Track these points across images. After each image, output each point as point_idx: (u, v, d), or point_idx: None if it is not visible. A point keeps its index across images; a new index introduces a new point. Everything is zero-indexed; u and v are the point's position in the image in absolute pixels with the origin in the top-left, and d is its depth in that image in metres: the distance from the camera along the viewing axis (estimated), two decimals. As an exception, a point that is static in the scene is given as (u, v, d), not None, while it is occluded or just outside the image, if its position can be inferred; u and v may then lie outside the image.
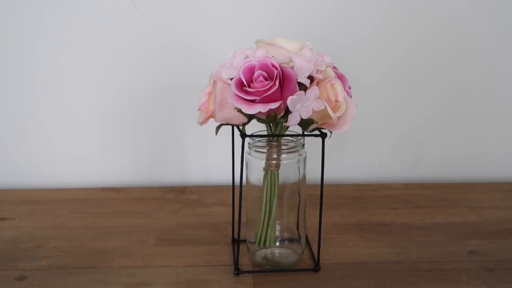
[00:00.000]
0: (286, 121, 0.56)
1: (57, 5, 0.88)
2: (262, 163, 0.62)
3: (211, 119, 0.61)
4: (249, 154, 0.63)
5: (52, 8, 0.88)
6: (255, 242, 0.64)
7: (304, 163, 0.63)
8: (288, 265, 0.65)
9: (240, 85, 0.55)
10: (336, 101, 0.56)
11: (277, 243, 0.65)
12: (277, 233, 0.64)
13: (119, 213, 0.82)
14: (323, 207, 0.62)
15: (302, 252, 0.66)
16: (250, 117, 0.58)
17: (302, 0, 0.90)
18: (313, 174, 0.67)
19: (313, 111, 0.55)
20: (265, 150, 0.61)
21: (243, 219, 0.62)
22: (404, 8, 0.91)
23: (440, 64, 0.94)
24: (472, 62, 0.94)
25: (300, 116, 0.55)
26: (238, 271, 0.63)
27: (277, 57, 0.56)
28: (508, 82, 0.95)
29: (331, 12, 0.90)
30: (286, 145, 0.62)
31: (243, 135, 0.59)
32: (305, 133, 0.59)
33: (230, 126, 0.63)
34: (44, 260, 0.67)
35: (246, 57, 0.57)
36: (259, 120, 0.58)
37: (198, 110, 0.62)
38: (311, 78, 0.56)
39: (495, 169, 0.99)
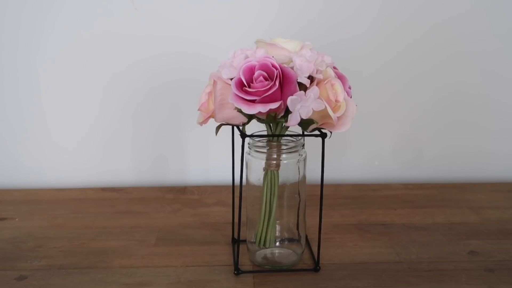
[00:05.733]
0: (286, 121, 0.56)
1: (60, 6, 0.88)
2: (262, 163, 0.62)
3: (211, 119, 0.61)
4: (249, 154, 0.63)
5: (54, 8, 0.88)
6: (255, 242, 0.64)
7: (304, 163, 0.63)
8: (288, 265, 0.65)
9: (240, 85, 0.55)
10: (336, 101, 0.56)
11: (277, 243, 0.65)
12: (277, 233, 0.64)
13: (119, 213, 0.82)
14: (323, 207, 0.62)
15: (302, 252, 0.66)
16: (250, 117, 0.58)
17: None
18: (313, 174, 0.67)
19: (313, 111, 0.55)
20: (265, 150, 0.61)
21: (243, 219, 0.62)
22: (406, 5, 0.91)
23: (440, 64, 0.94)
24: (472, 62, 0.94)
25: (300, 116, 0.55)
26: (238, 271, 0.63)
27: (277, 57, 0.56)
28: (507, 82, 0.95)
29: (328, 9, 0.91)
30: (286, 145, 0.62)
31: (243, 135, 0.59)
32: (305, 133, 0.59)
33: (230, 126, 0.63)
34: (44, 260, 0.67)
35: (246, 57, 0.57)
36: (259, 120, 0.59)
37: (198, 110, 0.62)
38: (311, 78, 0.56)
39: (495, 169, 0.99)
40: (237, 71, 0.55)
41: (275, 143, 0.61)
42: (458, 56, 0.93)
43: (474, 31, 0.92)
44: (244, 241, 0.67)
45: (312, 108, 0.55)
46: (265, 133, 0.62)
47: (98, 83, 0.92)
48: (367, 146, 0.98)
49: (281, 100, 0.54)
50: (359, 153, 0.98)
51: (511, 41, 0.93)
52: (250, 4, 0.90)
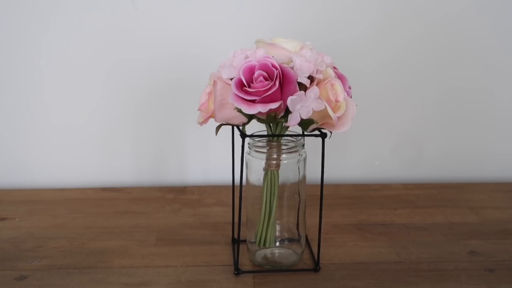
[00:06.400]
0: (286, 121, 0.56)
1: (61, 6, 0.88)
2: (262, 163, 0.62)
3: (211, 119, 0.61)
4: (249, 154, 0.63)
5: (56, 8, 0.88)
6: (255, 242, 0.64)
7: (304, 163, 0.63)
8: (288, 265, 0.65)
9: (240, 85, 0.55)
10: (336, 101, 0.56)
11: (277, 243, 0.65)
12: (277, 233, 0.64)
13: (119, 213, 0.82)
14: (323, 207, 0.62)
15: (302, 252, 0.66)
16: (250, 117, 0.58)
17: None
18: (313, 174, 0.67)
19: (313, 111, 0.55)
20: (265, 150, 0.61)
21: (243, 219, 0.62)
22: (405, 3, 0.91)
23: (441, 63, 0.94)
24: (471, 61, 0.94)
25: (300, 116, 0.55)
26: (238, 271, 0.63)
27: (277, 57, 0.56)
28: (508, 81, 0.95)
29: (327, 9, 0.91)
30: (286, 145, 0.62)
31: (243, 135, 0.59)
32: (305, 133, 0.59)
33: (230, 126, 0.63)
34: (44, 260, 0.67)
35: (246, 57, 0.57)
36: (259, 120, 0.58)
37: (198, 110, 0.62)
38: (311, 78, 0.56)
39: (495, 169, 0.99)
40: (237, 71, 0.55)
41: (275, 143, 0.61)
42: (458, 55, 0.93)
43: (473, 29, 0.92)
44: (244, 241, 0.67)
45: (312, 108, 0.55)
46: (265, 133, 0.62)
47: (98, 83, 0.92)
48: (367, 146, 0.98)
49: (281, 100, 0.54)
50: (359, 153, 0.98)
51: (510, 39, 0.93)
52: (251, 5, 0.90)
